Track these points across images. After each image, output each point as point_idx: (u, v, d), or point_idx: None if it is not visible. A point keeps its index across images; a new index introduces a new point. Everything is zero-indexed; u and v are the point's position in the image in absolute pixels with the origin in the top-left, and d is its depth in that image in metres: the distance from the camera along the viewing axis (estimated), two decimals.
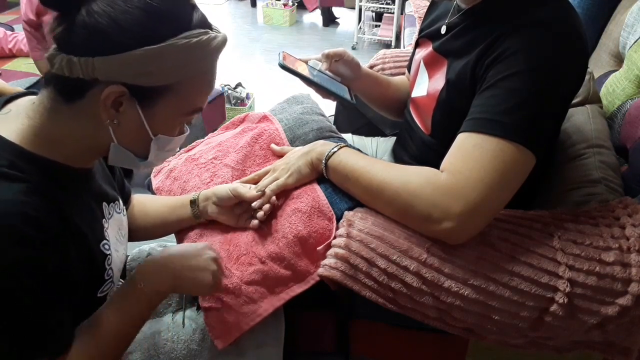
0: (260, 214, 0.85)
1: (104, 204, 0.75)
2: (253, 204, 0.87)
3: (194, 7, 0.63)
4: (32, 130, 0.61)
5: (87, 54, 0.56)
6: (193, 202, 0.90)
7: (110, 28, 0.55)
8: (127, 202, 0.93)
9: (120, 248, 0.78)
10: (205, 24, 0.63)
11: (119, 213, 0.80)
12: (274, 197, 0.87)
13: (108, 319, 0.68)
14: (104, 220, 0.73)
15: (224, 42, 0.64)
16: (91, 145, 0.65)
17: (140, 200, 0.97)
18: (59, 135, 0.62)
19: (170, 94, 0.62)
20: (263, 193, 0.86)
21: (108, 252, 0.72)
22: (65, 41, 0.57)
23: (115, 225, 0.77)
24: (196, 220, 0.91)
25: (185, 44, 0.58)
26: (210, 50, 0.62)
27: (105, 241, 0.72)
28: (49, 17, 1.93)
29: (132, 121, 0.62)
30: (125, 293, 0.71)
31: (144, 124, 0.63)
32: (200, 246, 0.76)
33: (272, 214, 0.87)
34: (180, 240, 0.94)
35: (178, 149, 0.73)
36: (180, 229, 0.94)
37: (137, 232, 0.94)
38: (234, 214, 0.89)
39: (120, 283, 0.83)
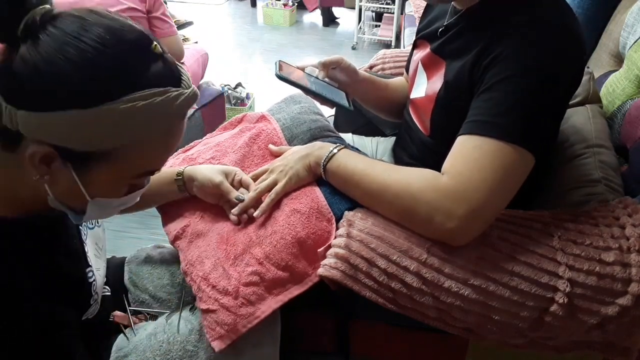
0: (234, 219, 0.87)
1: (81, 228, 0.73)
2: (232, 211, 0.87)
3: (155, 58, 0.53)
4: None
5: (13, 104, 0.48)
6: (178, 179, 0.91)
7: (32, 80, 0.47)
8: None
9: (100, 265, 0.77)
10: (164, 81, 0.52)
11: (92, 228, 0.78)
12: (256, 213, 0.86)
13: None
14: (84, 244, 0.72)
15: (190, 100, 0.55)
16: (41, 195, 0.58)
17: None
18: (11, 188, 0.57)
19: (113, 159, 0.53)
20: (242, 201, 0.86)
21: (92, 279, 0.71)
22: None
23: (91, 241, 0.76)
24: (181, 194, 0.93)
25: (128, 109, 0.49)
26: (167, 112, 0.53)
27: (89, 269, 0.71)
28: None
29: (65, 180, 0.54)
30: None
31: (80, 187, 0.55)
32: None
33: (271, 214, 0.87)
34: (167, 221, 0.96)
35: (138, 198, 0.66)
36: (167, 205, 0.96)
37: None
38: (215, 196, 0.91)
39: (105, 292, 0.83)
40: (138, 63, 0.51)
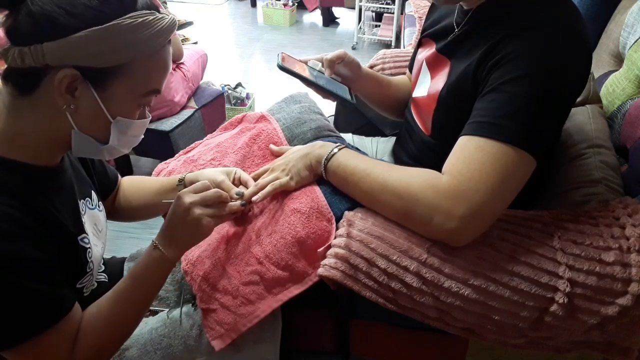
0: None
1: (77, 200, 0.76)
2: (230, 204, 0.86)
3: None
4: None
5: (36, 41, 0.58)
6: (180, 185, 0.93)
7: (55, 12, 0.57)
8: (113, 187, 0.96)
9: (98, 243, 0.80)
10: (150, 7, 0.64)
11: (92, 209, 0.82)
12: (255, 197, 0.86)
13: (125, 284, 0.72)
14: (81, 215, 0.75)
15: (171, 24, 0.66)
16: (54, 137, 0.66)
17: (131, 181, 1.00)
18: (22, 132, 0.64)
19: (123, 75, 0.63)
20: (241, 196, 0.86)
21: (88, 245, 0.74)
22: (14, 33, 0.59)
23: (90, 220, 0.79)
24: None
25: (130, 24, 0.60)
26: (158, 31, 0.63)
27: (84, 235, 0.74)
28: None
29: (88, 105, 0.63)
30: (145, 261, 0.74)
31: (101, 106, 0.64)
32: (179, 199, 0.76)
33: (271, 214, 0.87)
34: None
35: (142, 135, 0.75)
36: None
37: (128, 212, 0.99)
38: None
39: (101, 278, 0.84)
40: None
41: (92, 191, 0.83)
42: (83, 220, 0.76)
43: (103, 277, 0.86)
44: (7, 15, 0.59)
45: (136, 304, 0.73)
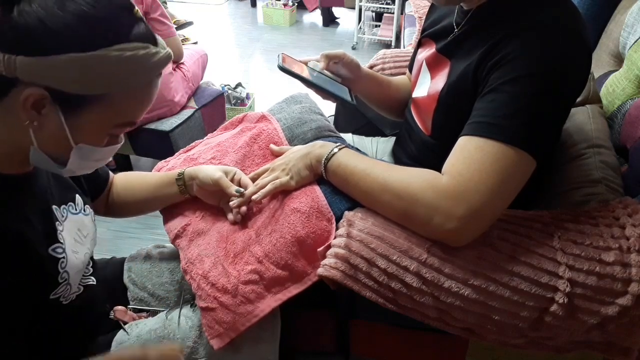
0: (237, 217, 0.88)
1: (54, 207, 0.73)
2: (230, 204, 0.89)
3: (137, 20, 0.61)
4: None
5: (11, 52, 0.54)
6: (179, 179, 0.93)
7: (37, 28, 0.54)
8: (104, 185, 0.95)
9: (80, 250, 0.77)
10: (145, 39, 0.60)
11: (76, 213, 0.79)
12: (255, 195, 0.87)
13: None
14: (57, 223, 0.73)
15: (166, 59, 0.62)
16: (13, 149, 0.63)
17: (127, 176, 0.99)
18: None
19: (99, 105, 0.59)
20: (242, 194, 0.87)
21: (61, 256, 0.71)
22: None
23: (72, 226, 0.77)
24: (183, 196, 0.94)
25: (118, 57, 0.56)
26: (148, 66, 0.60)
27: (57, 244, 0.71)
28: None
29: (53, 126, 0.59)
30: None
31: (66, 131, 0.60)
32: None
33: (271, 213, 0.87)
34: (168, 220, 0.96)
35: (111, 158, 0.71)
36: (168, 205, 0.98)
37: (124, 208, 0.97)
38: (216, 195, 0.92)
39: (88, 282, 0.82)
40: (125, 20, 0.59)
41: (77, 195, 0.81)
42: (59, 228, 0.73)
43: (91, 281, 0.83)
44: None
45: None
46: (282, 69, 0.94)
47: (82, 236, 0.79)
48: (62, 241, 0.72)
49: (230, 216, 0.89)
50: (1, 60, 0.54)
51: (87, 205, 0.83)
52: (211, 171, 0.90)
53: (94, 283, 0.84)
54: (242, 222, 0.89)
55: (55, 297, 0.72)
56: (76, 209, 0.79)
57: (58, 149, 0.63)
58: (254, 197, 0.87)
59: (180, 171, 0.93)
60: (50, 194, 0.74)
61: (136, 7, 0.61)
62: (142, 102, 0.64)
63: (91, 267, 0.85)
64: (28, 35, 0.54)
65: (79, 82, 0.56)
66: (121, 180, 0.99)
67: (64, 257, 0.72)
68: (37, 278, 0.68)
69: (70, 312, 0.75)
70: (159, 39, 0.64)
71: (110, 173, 0.98)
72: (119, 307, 0.90)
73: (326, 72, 1.03)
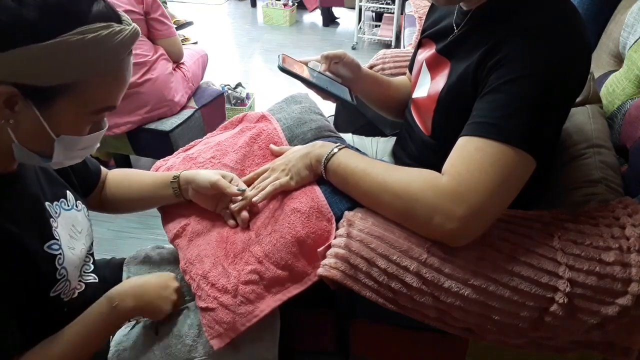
0: (239, 221, 0.88)
1: (47, 203, 0.73)
2: (232, 207, 0.89)
3: None
4: None
5: None
6: (174, 182, 0.92)
7: None
8: (96, 182, 0.94)
9: (76, 245, 0.77)
10: (107, 17, 0.57)
11: (69, 209, 0.79)
12: (256, 197, 0.87)
13: (71, 330, 0.71)
14: (51, 220, 0.72)
15: (132, 36, 0.59)
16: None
17: (122, 173, 0.99)
18: None
19: (71, 93, 0.57)
20: (243, 192, 0.88)
21: (57, 252, 0.71)
22: None
23: (66, 222, 0.76)
24: (177, 199, 0.94)
25: (79, 41, 0.54)
26: (114, 46, 0.57)
27: (53, 241, 0.71)
28: None
29: (30, 121, 0.58)
30: (96, 310, 0.74)
31: (43, 124, 0.58)
32: (168, 277, 0.84)
33: (271, 213, 0.87)
34: (167, 220, 0.96)
35: (99, 144, 0.70)
36: (165, 206, 0.99)
37: (117, 204, 0.97)
38: (213, 200, 0.92)
39: (89, 279, 0.83)
40: (82, 1, 0.56)
41: (68, 191, 0.80)
42: (54, 224, 0.72)
43: (92, 278, 0.84)
44: None
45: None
46: (283, 69, 0.94)
47: (76, 232, 0.79)
48: (57, 238, 0.72)
49: (231, 222, 0.89)
50: None
51: (78, 201, 0.83)
52: (209, 174, 0.89)
53: (96, 281, 0.85)
54: (241, 224, 0.89)
55: (56, 294, 0.72)
56: (68, 205, 0.79)
57: (40, 144, 0.61)
58: (254, 199, 0.87)
59: (175, 174, 0.93)
60: (41, 191, 0.74)
61: None
62: (117, 85, 0.62)
63: (92, 264, 0.85)
64: None
65: (44, 74, 0.54)
66: (116, 176, 0.98)
67: (60, 254, 0.72)
68: (34, 276, 0.68)
69: (72, 310, 0.75)
70: (123, 14, 0.61)
71: (103, 169, 0.97)
72: None
73: (326, 72, 1.03)
